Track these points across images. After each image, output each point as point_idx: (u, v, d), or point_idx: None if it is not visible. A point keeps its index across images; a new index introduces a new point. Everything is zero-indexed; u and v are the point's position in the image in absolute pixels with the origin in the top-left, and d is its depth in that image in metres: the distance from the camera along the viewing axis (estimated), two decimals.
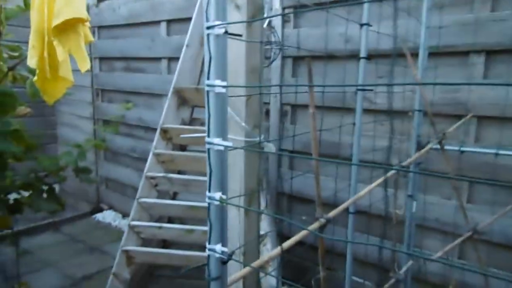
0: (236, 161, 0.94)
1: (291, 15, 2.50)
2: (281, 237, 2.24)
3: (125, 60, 3.66)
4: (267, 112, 2.57)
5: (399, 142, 1.97)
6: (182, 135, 1.90)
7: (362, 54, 1.32)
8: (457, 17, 1.87)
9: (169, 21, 3.23)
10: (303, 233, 0.89)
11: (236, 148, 0.64)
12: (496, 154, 1.62)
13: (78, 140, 3.94)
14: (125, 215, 3.82)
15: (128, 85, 3.61)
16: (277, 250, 0.82)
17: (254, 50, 0.91)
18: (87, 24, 1.45)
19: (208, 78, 0.62)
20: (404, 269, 1.49)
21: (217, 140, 0.62)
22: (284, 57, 2.51)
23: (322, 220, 0.95)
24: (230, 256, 0.67)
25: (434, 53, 1.86)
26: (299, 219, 2.42)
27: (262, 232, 1.75)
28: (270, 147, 1.12)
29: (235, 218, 0.95)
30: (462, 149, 1.70)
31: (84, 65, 1.41)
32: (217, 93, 0.62)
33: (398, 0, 1.79)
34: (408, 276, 1.72)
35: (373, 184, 1.12)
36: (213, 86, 0.61)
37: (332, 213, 0.99)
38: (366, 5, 1.29)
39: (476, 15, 1.81)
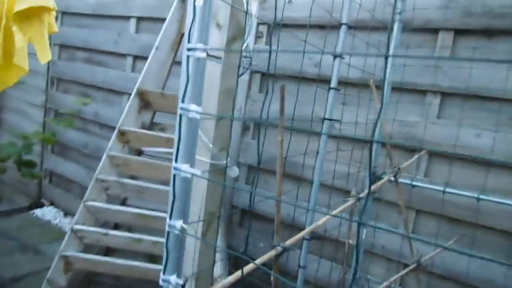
0: (198, 183, 0.91)
1: (264, 32, 2.52)
2: (233, 257, 2.22)
3: (88, 51, 3.49)
4: None
5: (356, 170, 2.03)
6: (148, 148, 1.83)
7: (333, 84, 1.34)
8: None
9: (139, 18, 3.14)
10: (261, 259, 0.88)
11: (203, 178, 0.62)
12: (444, 192, 1.71)
13: (26, 129, 3.68)
14: (67, 213, 3.60)
15: (87, 77, 3.44)
16: (235, 276, 0.79)
17: (230, 71, 0.89)
18: (53, 13, 1.36)
19: (182, 101, 0.59)
20: None
21: (185, 167, 0.59)
22: (252, 72, 2.52)
23: (279, 249, 0.95)
24: (183, 286, 0.64)
25: (396, 88, 1.95)
26: (251, 235, 2.40)
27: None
28: (235, 171, 1.10)
29: (191, 242, 0.91)
30: (414, 183, 1.78)
31: (45, 56, 1.32)
32: (190, 118, 0.59)
33: (370, 34, 1.87)
34: None
35: (331, 214, 1.14)
36: (188, 110, 0.58)
37: (289, 242, 0.98)
38: (341, 37, 1.32)
39: (436, 58, 1.93)
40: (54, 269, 1.94)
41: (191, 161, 0.60)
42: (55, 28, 1.43)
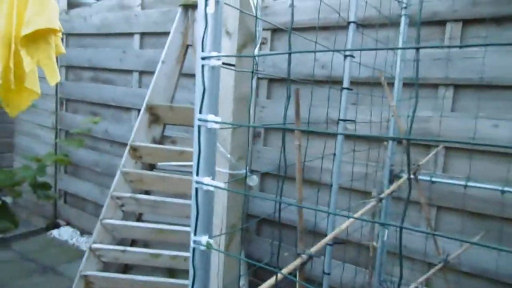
0: (218, 194, 0.88)
1: (268, 37, 2.51)
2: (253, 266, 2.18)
3: (94, 70, 3.53)
4: None
5: (374, 170, 1.99)
6: (165, 163, 1.82)
7: (345, 84, 1.32)
8: (429, 51, 1.94)
9: (142, 34, 3.16)
10: (287, 269, 0.85)
11: (226, 190, 0.59)
12: (466, 186, 1.66)
13: (38, 151, 3.72)
14: (83, 232, 3.61)
15: (95, 96, 3.46)
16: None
17: (244, 78, 0.87)
18: (59, 35, 1.36)
19: (200, 112, 0.57)
20: None
21: (207, 180, 0.57)
22: (259, 78, 2.50)
23: (304, 257, 0.92)
24: None
25: (408, 84, 1.92)
26: (271, 243, 2.37)
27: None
28: (254, 180, 1.08)
29: (214, 256, 0.89)
30: (434, 179, 1.74)
31: (54, 77, 1.32)
32: (209, 129, 0.57)
33: (378, 31, 1.84)
34: None
35: (354, 217, 1.10)
36: (206, 121, 0.56)
37: (313, 249, 0.96)
38: (350, 36, 1.30)
39: (446, 50, 1.89)
40: None
41: (212, 173, 0.59)
42: (62, 49, 1.43)
